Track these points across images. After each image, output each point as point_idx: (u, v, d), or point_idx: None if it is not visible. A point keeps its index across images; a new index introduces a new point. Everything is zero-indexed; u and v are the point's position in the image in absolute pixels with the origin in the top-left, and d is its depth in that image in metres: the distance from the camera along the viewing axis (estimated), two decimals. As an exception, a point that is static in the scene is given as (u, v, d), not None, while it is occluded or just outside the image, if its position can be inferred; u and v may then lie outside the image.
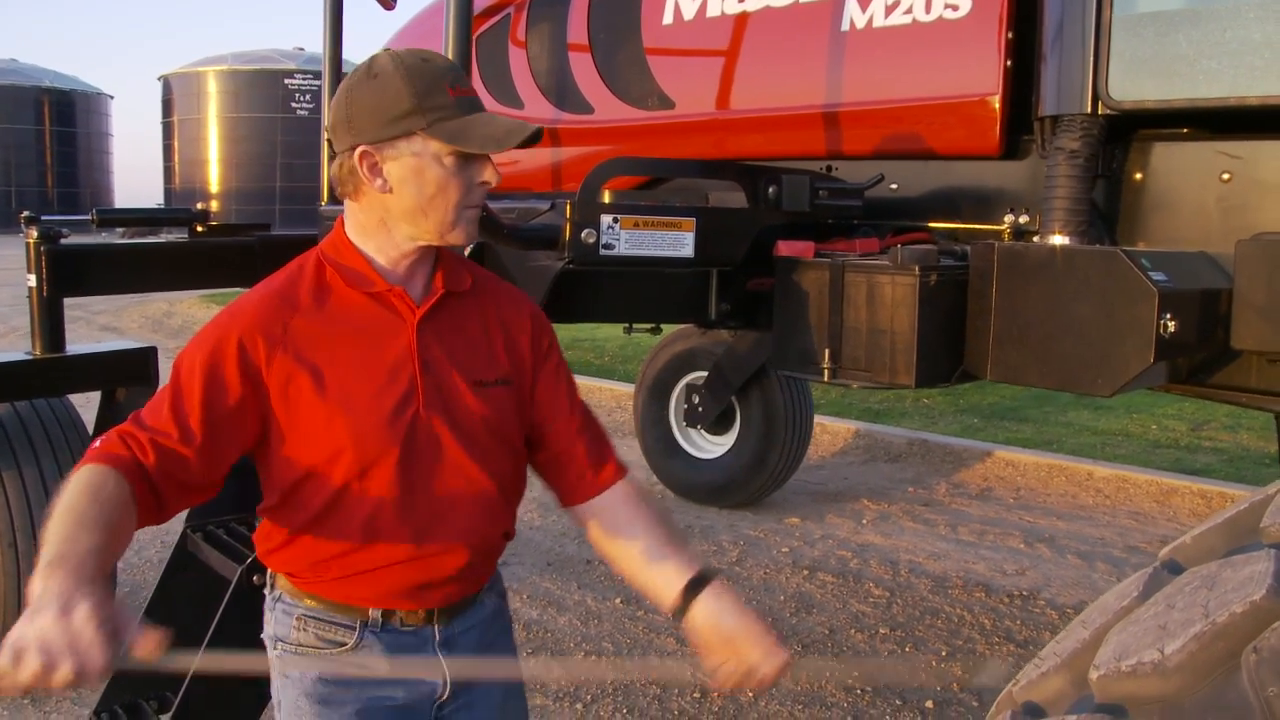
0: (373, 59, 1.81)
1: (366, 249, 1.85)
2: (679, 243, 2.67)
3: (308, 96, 64.77)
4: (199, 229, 4.55)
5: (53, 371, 4.21)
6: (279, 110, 65.09)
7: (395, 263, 1.85)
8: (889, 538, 6.30)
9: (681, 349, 7.05)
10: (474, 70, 4.20)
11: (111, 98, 79.49)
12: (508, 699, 2.13)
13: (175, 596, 3.19)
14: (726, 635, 1.91)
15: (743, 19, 3.21)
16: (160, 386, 1.80)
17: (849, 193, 3.05)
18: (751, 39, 3.25)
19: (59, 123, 72.44)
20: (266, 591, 2.01)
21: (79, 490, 1.59)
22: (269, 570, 2.00)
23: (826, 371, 2.70)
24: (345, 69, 3.76)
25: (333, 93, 3.74)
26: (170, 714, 2.73)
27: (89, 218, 4.49)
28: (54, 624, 1.37)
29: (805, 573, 5.71)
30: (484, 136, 1.76)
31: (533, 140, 1.81)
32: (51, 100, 72.17)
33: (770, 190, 2.89)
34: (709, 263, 2.77)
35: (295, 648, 1.95)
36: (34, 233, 4.11)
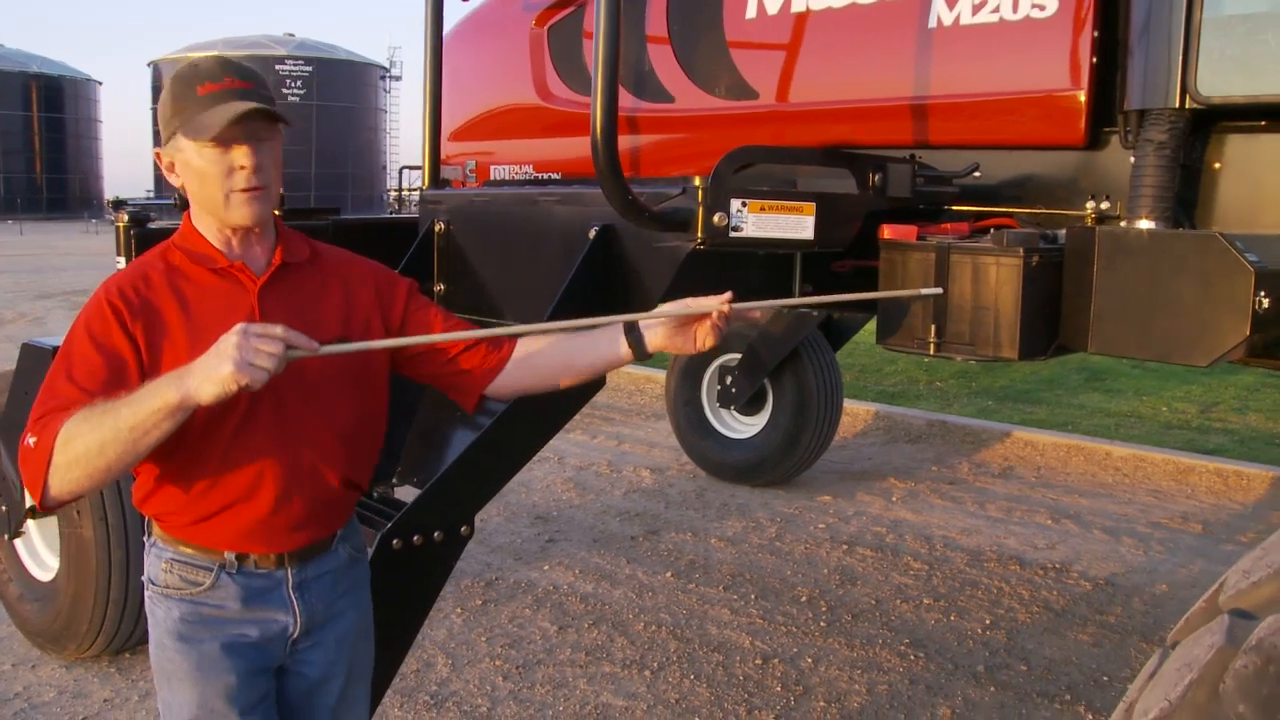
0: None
1: (205, 232, 2.09)
2: (801, 225, 2.84)
3: (299, 82, 64.53)
4: (275, 213, 4.67)
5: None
6: (268, 96, 64.73)
7: (227, 241, 2.08)
8: (920, 514, 6.49)
9: (715, 331, 7.19)
10: (547, 61, 4.35)
11: (100, 84, 79.00)
12: (359, 639, 2.35)
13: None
14: (678, 320, 2.15)
15: (827, 15, 3.36)
16: (54, 362, 1.99)
17: (945, 180, 3.23)
18: (836, 34, 3.40)
19: (47, 109, 71.92)
20: (145, 537, 2.22)
21: (95, 408, 1.84)
22: (145, 517, 2.20)
23: (932, 345, 2.87)
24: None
25: (434, 85, 3.91)
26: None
27: (173, 202, 4.60)
28: (237, 338, 1.75)
29: (844, 547, 5.89)
30: (208, 125, 1.95)
31: (261, 117, 1.98)
32: (40, 86, 71.63)
33: (876, 177, 3.06)
34: (826, 244, 2.93)
35: (162, 589, 2.15)
36: (124, 217, 4.22)
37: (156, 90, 69.22)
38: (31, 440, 1.88)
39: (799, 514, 6.51)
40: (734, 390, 6.97)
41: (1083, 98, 2.96)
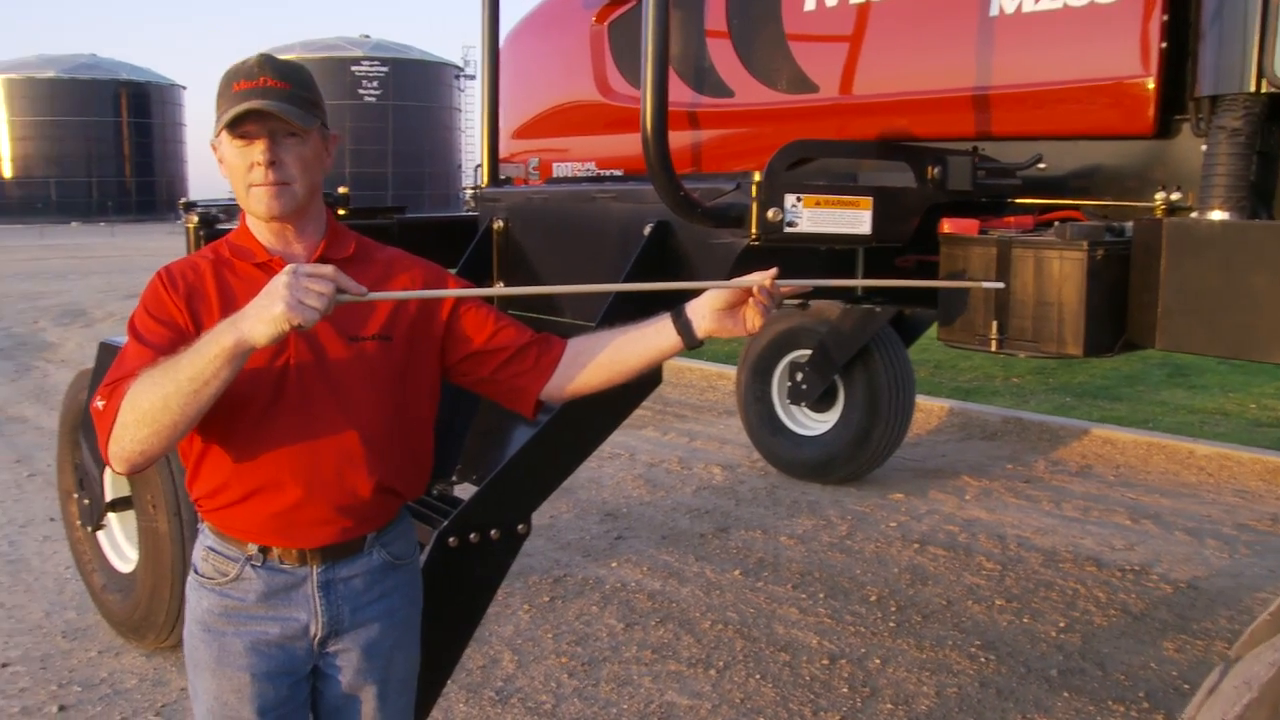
0: None
1: (253, 228, 2.14)
2: (857, 220, 2.79)
3: (374, 83, 65.38)
4: (340, 212, 4.72)
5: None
6: (346, 97, 65.75)
7: (269, 236, 2.13)
8: (994, 513, 6.37)
9: (784, 327, 7.16)
10: (608, 57, 4.33)
11: (184, 88, 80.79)
12: (395, 650, 2.30)
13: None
14: (724, 300, 2.15)
15: (887, 5, 3.30)
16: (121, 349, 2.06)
17: (1007, 172, 3.15)
18: (896, 25, 3.35)
19: (135, 114, 73.69)
20: (198, 523, 2.27)
21: (159, 366, 1.89)
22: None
23: (994, 342, 2.81)
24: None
25: (491, 81, 3.92)
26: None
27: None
28: (288, 278, 1.80)
29: (916, 546, 5.80)
30: (225, 119, 2.01)
31: (269, 115, 2.00)
32: (129, 93, 73.41)
33: (935, 170, 3.00)
34: (883, 239, 2.88)
35: (198, 577, 2.20)
36: (194, 218, 4.29)
37: (239, 94, 70.28)
38: (100, 403, 1.94)
39: (870, 512, 6.43)
40: (805, 387, 6.91)
41: (1151, 84, 2.87)
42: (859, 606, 4.98)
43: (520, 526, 2.95)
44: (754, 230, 2.70)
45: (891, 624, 4.78)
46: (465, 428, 3.55)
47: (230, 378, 1.87)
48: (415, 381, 2.22)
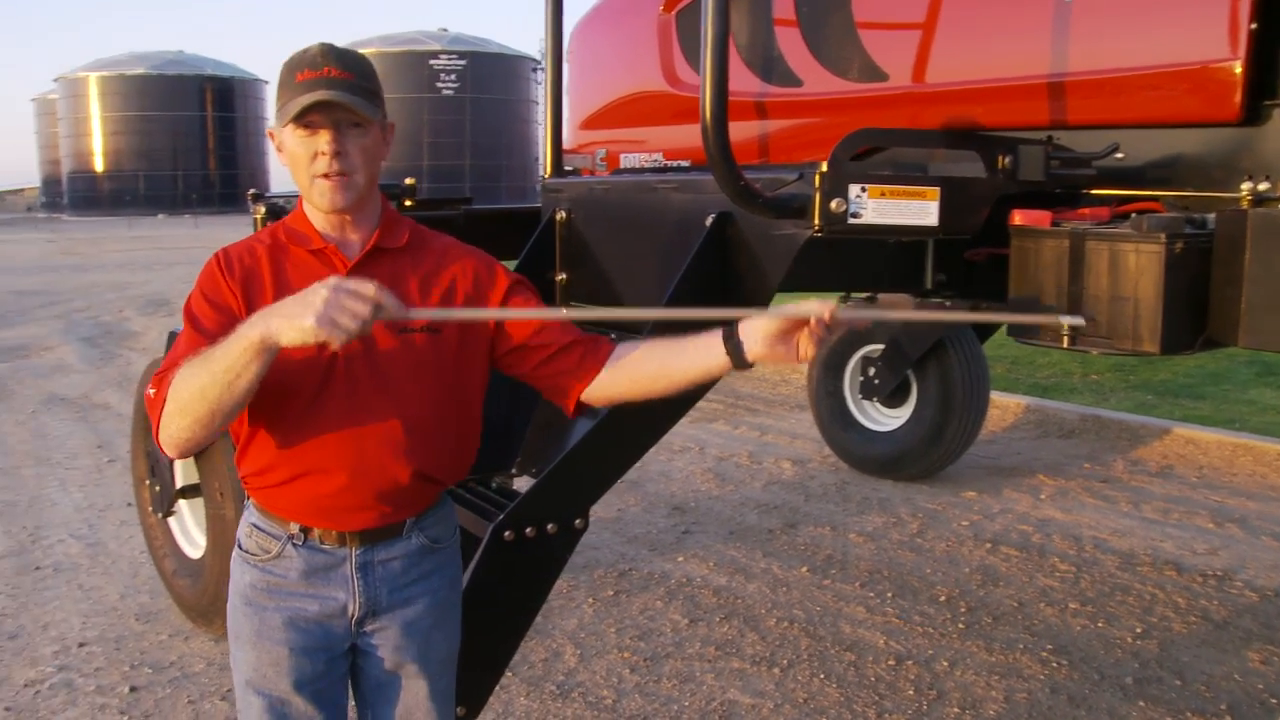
0: None
1: (309, 214, 2.16)
2: (924, 211, 2.71)
3: (453, 76, 65.93)
4: (407, 203, 4.73)
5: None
6: (425, 90, 66.39)
7: (325, 224, 2.15)
8: (1070, 513, 6.22)
9: (856, 322, 7.04)
10: (675, 47, 4.28)
11: (266, 83, 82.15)
12: (434, 630, 2.32)
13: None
14: (779, 324, 2.02)
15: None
16: (177, 336, 2.13)
17: (1081, 162, 3.04)
18: (968, 11, 3.25)
19: (220, 109, 75.17)
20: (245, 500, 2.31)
21: (196, 360, 1.92)
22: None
23: (1066, 339, 2.71)
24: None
25: (554, 73, 3.89)
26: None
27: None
28: (329, 292, 1.81)
29: (988, 546, 5.68)
30: (289, 110, 2.02)
31: (336, 105, 2.02)
32: (214, 88, 74.92)
33: (1006, 160, 2.91)
34: (951, 231, 2.79)
35: (242, 553, 2.25)
36: (261, 209, 4.32)
37: (321, 87, 71.47)
38: (151, 390, 2.00)
39: (942, 510, 6.31)
40: (877, 382, 6.81)
41: (1239, 69, 2.74)
42: (928, 606, 4.89)
43: (577, 521, 2.92)
44: (816, 221, 2.63)
45: (961, 625, 4.68)
46: (525, 420, 3.52)
47: (262, 371, 1.89)
48: (463, 373, 2.23)
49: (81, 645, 4.59)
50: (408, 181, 4.75)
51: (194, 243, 33.91)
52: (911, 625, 4.68)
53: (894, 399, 6.90)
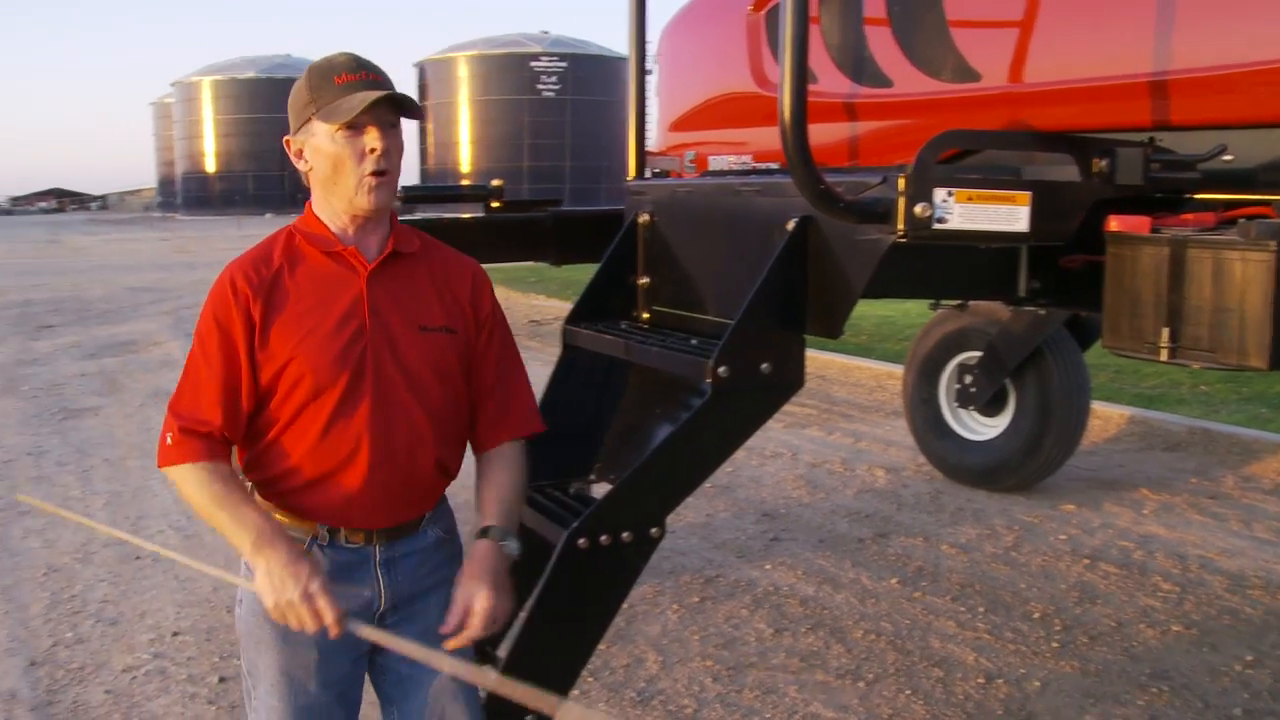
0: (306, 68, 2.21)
1: (324, 218, 2.22)
2: (1013, 217, 2.61)
3: (553, 78, 66.44)
4: (494, 205, 4.74)
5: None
6: (526, 92, 67.01)
7: (345, 227, 2.21)
8: (1174, 530, 6.00)
9: (953, 328, 6.90)
10: (764, 47, 4.21)
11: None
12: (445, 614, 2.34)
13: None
14: (464, 571, 2.27)
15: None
16: (188, 354, 2.21)
17: (1185, 165, 2.91)
18: (1066, 7, 3.13)
19: (325, 109, 76.82)
20: None
21: (215, 487, 2.11)
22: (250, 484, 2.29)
23: (1164, 351, 2.59)
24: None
25: (638, 74, 3.85)
26: (500, 667, 2.87)
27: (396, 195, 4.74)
28: (294, 595, 2.03)
29: (1086, 562, 5.50)
30: (346, 109, 2.08)
31: (398, 105, 2.13)
32: (319, 89, 76.59)
33: (1102, 163, 2.79)
34: (1042, 237, 2.68)
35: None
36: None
37: (421, 88, 72.89)
38: (169, 439, 2.14)
39: (1039, 523, 6.14)
40: (973, 390, 6.66)
41: (1357, 66, 2.59)
42: (1021, 623, 4.74)
43: (654, 530, 2.87)
44: (900, 226, 2.55)
45: (1055, 644, 4.53)
46: (605, 427, 3.49)
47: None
48: (453, 367, 2.31)
49: (175, 634, 4.70)
50: (495, 183, 4.76)
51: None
52: (1003, 642, 4.55)
53: (991, 407, 6.74)
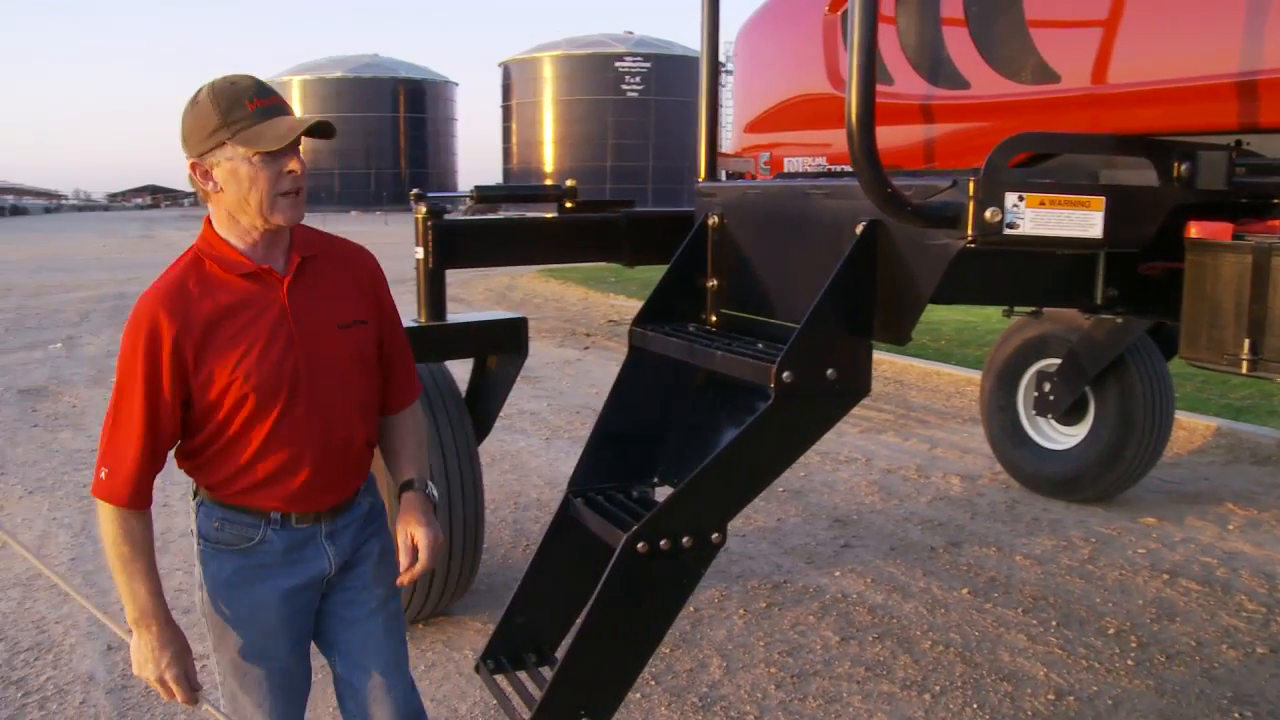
0: (197, 90, 2.27)
1: (230, 239, 2.32)
2: (1086, 222, 2.54)
3: (637, 78, 66.61)
4: (568, 205, 4.73)
5: (437, 339, 4.50)
6: (610, 92, 67.25)
7: (253, 245, 2.32)
8: (1261, 547, 5.82)
9: (1033, 334, 6.77)
10: (841, 48, 4.16)
11: (457, 85, 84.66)
12: (382, 559, 2.64)
13: (555, 559, 3.34)
14: (400, 518, 2.54)
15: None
16: (111, 394, 2.36)
17: (1273, 169, 2.80)
18: (1150, 6, 3.04)
19: (411, 109, 77.92)
20: (190, 497, 2.54)
21: (124, 546, 2.31)
22: (190, 478, 2.51)
23: (1245, 363, 2.50)
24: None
25: (711, 77, 3.82)
26: (557, 669, 2.87)
27: (468, 194, 4.78)
28: (157, 677, 2.35)
29: (1165, 577, 5.36)
30: (272, 136, 2.20)
31: (318, 131, 2.28)
32: (406, 90, 77.78)
33: (1183, 167, 2.70)
34: (1117, 244, 2.60)
35: (214, 544, 2.47)
36: (423, 209, 4.39)
37: (506, 88, 73.53)
38: (104, 474, 2.32)
39: (1117, 535, 5.99)
40: (1052, 398, 6.52)
41: None
42: (1095, 639, 4.63)
43: (714, 536, 2.84)
44: (970, 231, 2.48)
45: (1130, 661, 4.41)
46: (670, 429, 3.47)
47: None
48: (370, 355, 2.51)
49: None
50: (568, 183, 4.76)
51: (384, 239, 35.02)
52: (1075, 658, 4.44)
53: (1070, 416, 6.60)
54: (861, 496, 6.73)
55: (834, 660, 4.41)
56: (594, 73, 67.53)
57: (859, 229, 2.75)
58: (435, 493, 2.64)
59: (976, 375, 9.85)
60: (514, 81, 72.90)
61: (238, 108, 2.20)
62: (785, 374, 2.68)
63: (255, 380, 2.28)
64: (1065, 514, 6.38)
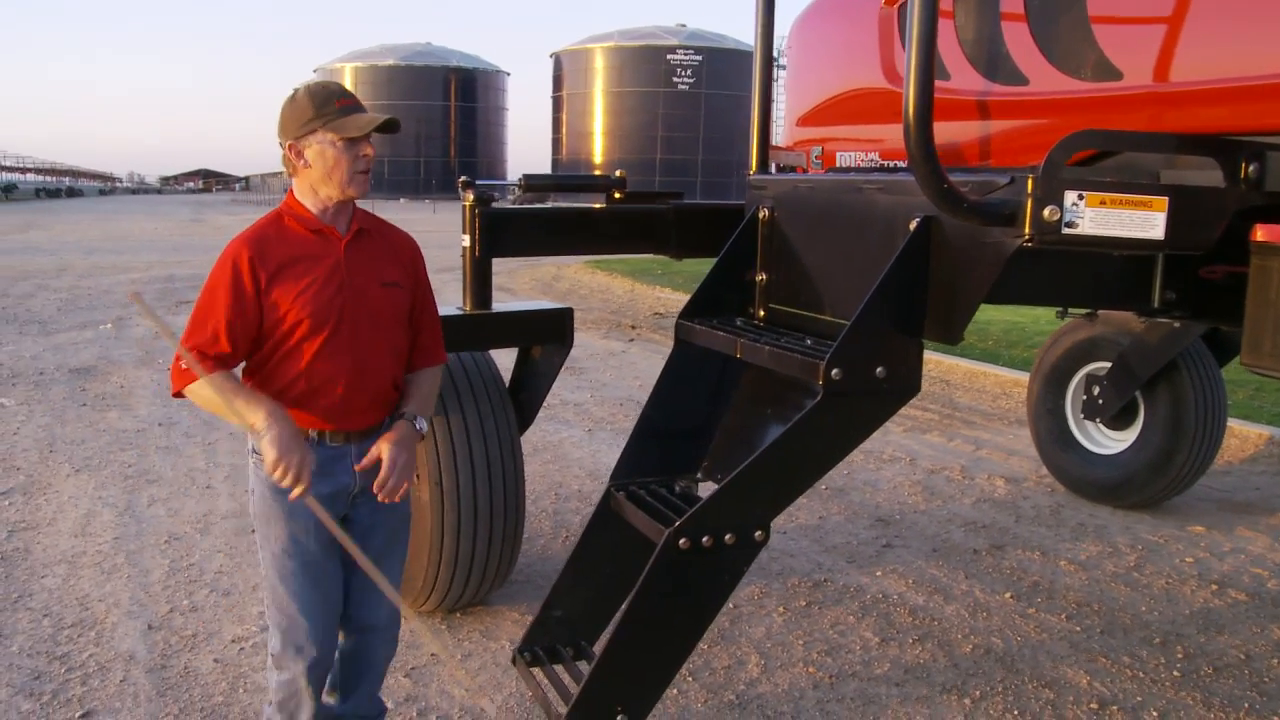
0: (294, 90, 2.93)
1: (307, 203, 2.95)
2: (1148, 223, 2.47)
3: (689, 71, 66.44)
4: (616, 196, 4.70)
5: (482, 327, 4.47)
6: (661, 85, 67.11)
7: (324, 211, 2.95)
8: (1313, 558, 5.70)
9: (1083, 337, 6.68)
10: (896, 42, 4.10)
11: (508, 74, 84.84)
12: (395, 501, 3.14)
13: (595, 552, 3.32)
14: (381, 437, 3.01)
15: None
16: (196, 304, 2.90)
17: (1345, 171, 2.72)
18: (1217, 3, 2.96)
19: (462, 98, 78.18)
20: None
21: (229, 383, 2.81)
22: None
23: (1319, 374, 2.43)
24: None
25: (764, 70, 3.78)
26: (594, 664, 2.85)
27: (515, 183, 4.76)
28: (295, 456, 2.77)
29: (1214, 588, 5.26)
30: (354, 126, 2.84)
31: (387, 127, 2.91)
32: (457, 79, 78.06)
33: (1251, 168, 2.62)
34: (1179, 246, 2.53)
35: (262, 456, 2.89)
36: (470, 196, 4.37)
37: (557, 79, 73.62)
38: (184, 364, 2.80)
39: (1164, 543, 5.89)
40: (1101, 402, 6.43)
41: None
42: (1140, 648, 4.55)
43: (757, 534, 2.81)
44: (1027, 229, 2.43)
45: (1175, 673, 4.33)
46: (715, 424, 3.43)
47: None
48: (405, 315, 3.09)
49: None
50: (618, 174, 4.72)
51: (433, 226, 35.22)
52: (1120, 667, 4.37)
53: (1119, 421, 6.50)
54: (904, 496, 6.66)
55: (873, 661, 4.37)
56: (645, 65, 67.41)
57: (912, 225, 2.70)
58: (424, 426, 3.08)
59: (1023, 377, 9.74)
60: (565, 72, 72.94)
61: (328, 104, 2.85)
62: (834, 371, 2.64)
63: (311, 309, 2.85)
64: (1111, 520, 6.28)
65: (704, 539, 2.75)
